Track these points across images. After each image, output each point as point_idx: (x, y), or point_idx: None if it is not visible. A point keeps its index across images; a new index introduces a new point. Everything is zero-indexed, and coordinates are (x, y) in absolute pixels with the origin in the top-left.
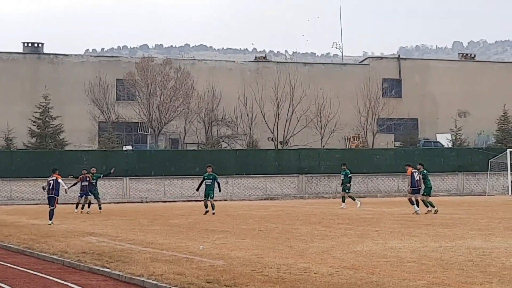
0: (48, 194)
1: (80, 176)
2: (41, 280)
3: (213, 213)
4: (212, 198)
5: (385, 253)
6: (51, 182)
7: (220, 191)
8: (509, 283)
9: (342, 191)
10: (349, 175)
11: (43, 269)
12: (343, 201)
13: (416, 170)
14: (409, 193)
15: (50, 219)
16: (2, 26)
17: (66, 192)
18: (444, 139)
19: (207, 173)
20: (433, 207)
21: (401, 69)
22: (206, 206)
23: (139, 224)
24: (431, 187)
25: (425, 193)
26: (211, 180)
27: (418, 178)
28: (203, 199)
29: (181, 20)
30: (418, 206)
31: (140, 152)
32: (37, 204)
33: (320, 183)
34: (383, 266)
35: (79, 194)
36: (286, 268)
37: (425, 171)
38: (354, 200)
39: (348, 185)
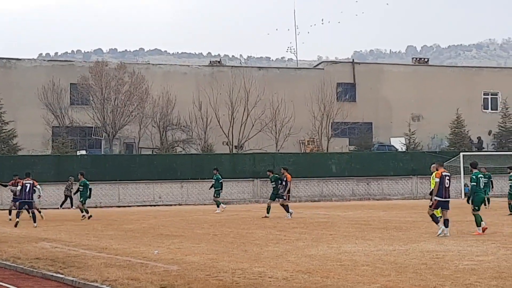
0: (24, 198)
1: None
2: None
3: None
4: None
5: (340, 256)
6: (28, 185)
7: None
8: (462, 286)
9: (214, 196)
10: (220, 181)
11: None
12: (218, 206)
13: None
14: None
15: (35, 221)
16: None
17: (39, 198)
18: (398, 143)
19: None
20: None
21: (355, 73)
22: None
23: (93, 229)
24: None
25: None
26: (274, 182)
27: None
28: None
29: (136, 25)
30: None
31: (94, 157)
32: None
33: None
34: (338, 270)
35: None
36: (241, 272)
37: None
38: (218, 206)
39: (220, 190)
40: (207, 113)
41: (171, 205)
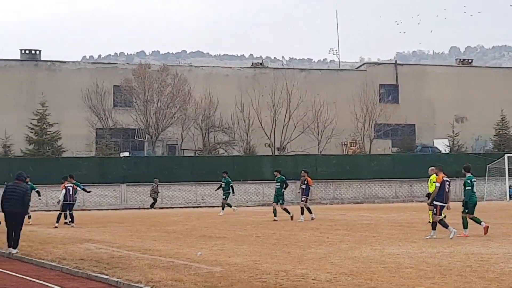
0: (68, 200)
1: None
2: (39, 287)
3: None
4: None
5: (383, 259)
6: (70, 188)
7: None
8: None
9: (223, 198)
10: (230, 184)
11: (42, 276)
12: (223, 208)
13: None
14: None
15: (72, 221)
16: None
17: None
18: (442, 145)
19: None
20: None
21: (398, 74)
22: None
23: (137, 231)
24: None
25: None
26: (279, 184)
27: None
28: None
29: (178, 27)
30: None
31: (137, 159)
32: (34, 210)
33: (317, 189)
34: (381, 272)
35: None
36: (284, 274)
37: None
38: (230, 206)
39: (232, 194)
40: (249, 115)
41: (213, 206)
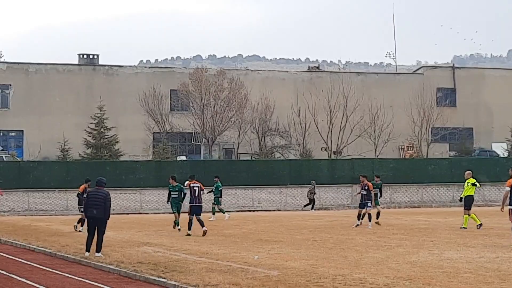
0: (194, 203)
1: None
2: None
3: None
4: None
5: (441, 263)
6: (196, 189)
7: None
8: None
9: (213, 203)
10: (219, 188)
11: (100, 279)
12: (213, 213)
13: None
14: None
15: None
16: (58, 38)
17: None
18: (500, 149)
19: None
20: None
21: (456, 78)
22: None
23: (194, 234)
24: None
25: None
26: (177, 192)
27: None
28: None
29: (234, 31)
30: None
31: (194, 162)
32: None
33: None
34: (440, 277)
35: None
36: (341, 278)
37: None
38: (223, 213)
39: (220, 198)
40: (305, 118)
41: (270, 210)
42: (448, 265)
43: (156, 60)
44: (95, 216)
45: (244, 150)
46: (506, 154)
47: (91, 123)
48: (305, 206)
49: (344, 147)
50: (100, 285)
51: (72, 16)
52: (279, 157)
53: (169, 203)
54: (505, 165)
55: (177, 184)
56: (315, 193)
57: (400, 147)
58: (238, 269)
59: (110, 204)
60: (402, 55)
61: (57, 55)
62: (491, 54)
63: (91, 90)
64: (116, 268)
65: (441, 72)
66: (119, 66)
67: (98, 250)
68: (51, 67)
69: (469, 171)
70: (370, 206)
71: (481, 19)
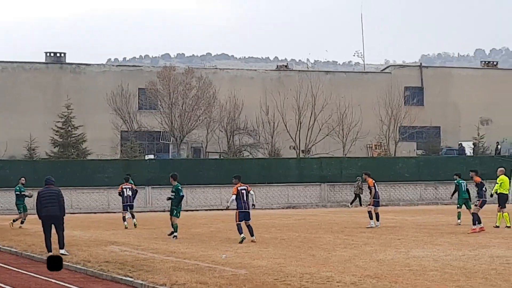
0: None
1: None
2: None
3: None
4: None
5: (408, 261)
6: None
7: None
8: None
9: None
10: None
11: (66, 279)
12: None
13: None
14: (371, 204)
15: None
16: (24, 36)
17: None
18: (467, 147)
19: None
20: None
21: (423, 77)
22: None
23: (161, 233)
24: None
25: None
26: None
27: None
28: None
29: (203, 29)
30: (378, 220)
31: (162, 161)
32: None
33: (342, 191)
34: (406, 275)
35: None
36: (308, 277)
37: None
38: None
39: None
40: (274, 117)
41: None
42: (415, 263)
43: (124, 58)
44: (51, 214)
45: (212, 149)
46: (472, 153)
47: (58, 121)
48: (351, 203)
49: (312, 145)
50: (66, 284)
51: (39, 14)
52: (248, 155)
53: None
54: (471, 163)
55: (176, 183)
56: (362, 188)
57: (368, 145)
58: (206, 268)
59: (64, 200)
60: (370, 54)
61: (24, 53)
62: (459, 53)
63: (59, 88)
64: (82, 267)
65: (409, 71)
66: (87, 64)
67: (61, 246)
68: (18, 65)
69: (502, 168)
70: (369, 203)
71: (449, 18)
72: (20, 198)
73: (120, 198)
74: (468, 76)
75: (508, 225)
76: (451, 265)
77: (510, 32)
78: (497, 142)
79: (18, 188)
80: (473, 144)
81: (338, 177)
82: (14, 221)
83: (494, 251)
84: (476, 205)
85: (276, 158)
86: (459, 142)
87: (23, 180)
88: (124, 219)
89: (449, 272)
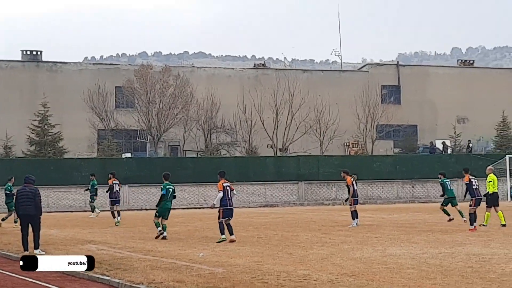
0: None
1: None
2: None
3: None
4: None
5: (385, 259)
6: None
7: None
8: None
9: (90, 201)
10: (95, 186)
11: (43, 277)
12: (92, 211)
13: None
14: (351, 204)
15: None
16: (0, 33)
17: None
18: (439, 146)
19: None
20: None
21: (400, 75)
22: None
23: (139, 232)
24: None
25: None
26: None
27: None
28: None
29: (180, 28)
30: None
31: (140, 160)
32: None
33: (319, 190)
34: (383, 273)
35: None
36: (285, 275)
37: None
38: (93, 211)
39: (95, 197)
40: (251, 116)
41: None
42: (392, 261)
43: (101, 56)
44: (28, 213)
45: (190, 147)
46: (449, 151)
47: (35, 120)
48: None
49: (289, 144)
50: (43, 283)
51: (14, 11)
52: (225, 154)
53: None
54: (448, 162)
55: (166, 182)
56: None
57: (345, 144)
58: (183, 267)
59: (40, 200)
60: (348, 52)
61: None
62: (435, 52)
63: (35, 87)
64: None
65: (386, 70)
66: (63, 62)
67: (36, 246)
68: None
69: (491, 167)
70: (348, 203)
71: (426, 17)
72: (9, 197)
73: (106, 194)
74: (444, 74)
75: (503, 223)
76: (427, 263)
77: (487, 30)
78: (469, 140)
79: (8, 187)
80: (442, 143)
81: (315, 175)
82: (3, 220)
83: (471, 249)
84: (471, 205)
85: (253, 157)
86: (430, 141)
87: (13, 179)
88: (113, 215)
89: (425, 270)
